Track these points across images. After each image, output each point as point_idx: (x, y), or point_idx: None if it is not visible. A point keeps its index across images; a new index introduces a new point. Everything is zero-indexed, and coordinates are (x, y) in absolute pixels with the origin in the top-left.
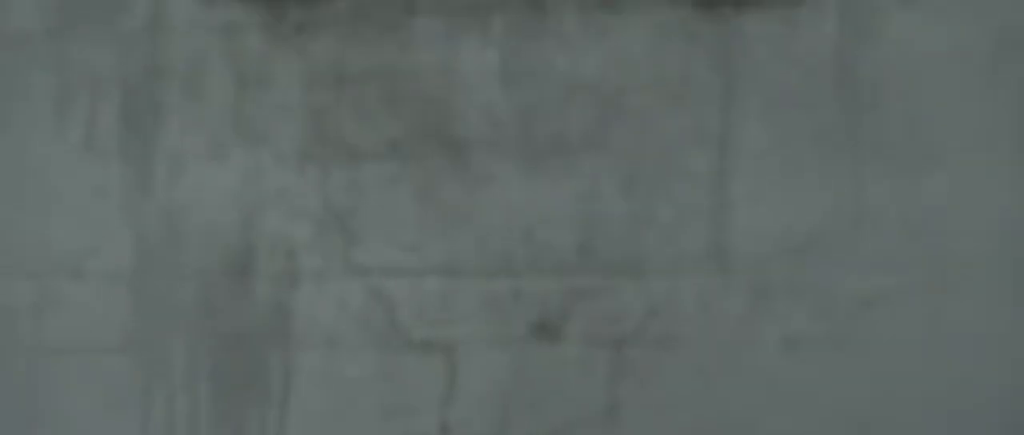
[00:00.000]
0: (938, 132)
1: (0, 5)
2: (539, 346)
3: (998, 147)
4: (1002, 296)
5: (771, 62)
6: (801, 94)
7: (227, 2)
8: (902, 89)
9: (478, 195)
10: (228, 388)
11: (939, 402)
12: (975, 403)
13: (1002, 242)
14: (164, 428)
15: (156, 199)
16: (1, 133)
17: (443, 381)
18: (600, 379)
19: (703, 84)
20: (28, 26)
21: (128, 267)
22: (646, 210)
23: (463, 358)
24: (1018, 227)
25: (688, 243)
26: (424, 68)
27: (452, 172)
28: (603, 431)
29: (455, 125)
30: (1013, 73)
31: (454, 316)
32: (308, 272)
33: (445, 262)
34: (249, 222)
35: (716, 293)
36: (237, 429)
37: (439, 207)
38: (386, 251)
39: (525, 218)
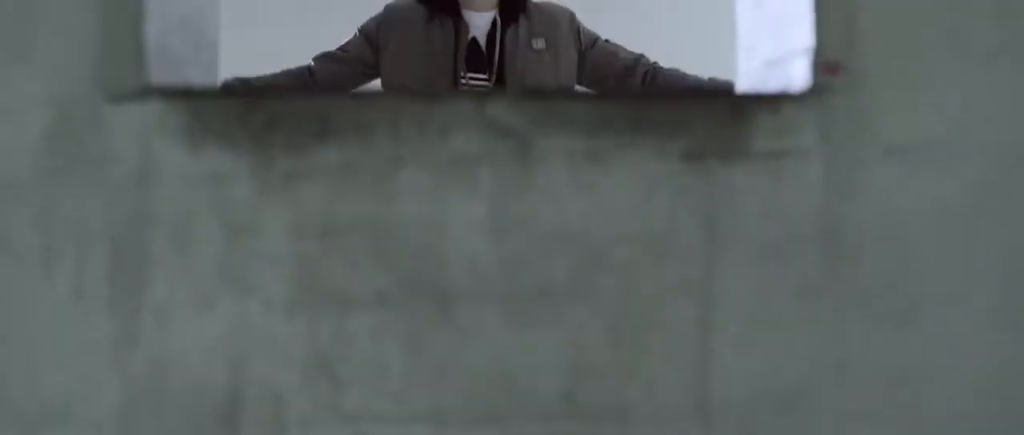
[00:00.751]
0: (919, 287)
1: None
2: None
3: (978, 303)
4: None
5: (755, 215)
6: (784, 246)
7: (215, 151)
8: (884, 243)
9: (464, 345)
10: None
11: None
12: None
13: (982, 398)
14: None
15: (143, 350)
16: None
17: None
18: None
19: (688, 236)
20: (15, 175)
21: (115, 418)
22: (630, 360)
23: None
24: (997, 383)
25: (671, 393)
26: (411, 219)
27: (439, 322)
28: None
29: (442, 276)
30: (994, 230)
31: None
32: (295, 420)
33: (431, 411)
34: (237, 371)
35: None
36: None
37: (425, 356)
38: (373, 400)
39: (510, 367)
